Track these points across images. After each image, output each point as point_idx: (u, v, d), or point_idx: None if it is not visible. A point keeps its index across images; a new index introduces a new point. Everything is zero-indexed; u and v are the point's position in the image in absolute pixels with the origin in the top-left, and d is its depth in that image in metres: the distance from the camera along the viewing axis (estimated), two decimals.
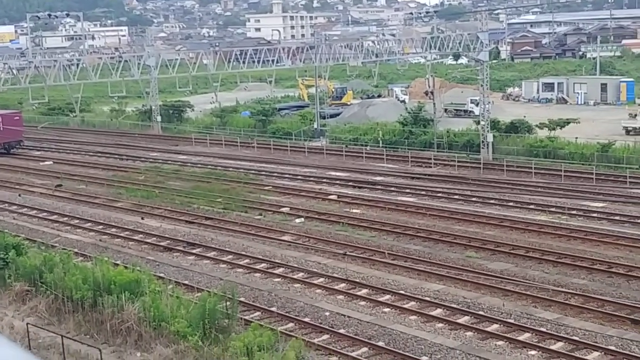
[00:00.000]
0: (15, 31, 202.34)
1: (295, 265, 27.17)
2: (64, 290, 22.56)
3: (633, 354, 19.36)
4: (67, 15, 69.07)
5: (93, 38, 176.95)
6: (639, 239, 28.89)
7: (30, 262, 24.40)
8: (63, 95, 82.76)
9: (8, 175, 48.66)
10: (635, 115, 56.73)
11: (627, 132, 53.44)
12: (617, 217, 32.35)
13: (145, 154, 55.56)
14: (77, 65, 56.83)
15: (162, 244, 30.87)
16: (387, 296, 23.83)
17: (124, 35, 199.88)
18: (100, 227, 34.10)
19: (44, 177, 47.29)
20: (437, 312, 22.44)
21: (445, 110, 66.11)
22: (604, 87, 74.37)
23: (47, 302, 23.07)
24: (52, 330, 21.55)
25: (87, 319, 21.84)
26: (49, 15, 62.46)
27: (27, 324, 21.61)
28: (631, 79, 78.66)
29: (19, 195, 41.51)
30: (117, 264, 25.13)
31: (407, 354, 19.68)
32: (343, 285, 25.01)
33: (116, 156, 55.22)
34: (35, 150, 59.92)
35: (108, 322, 21.10)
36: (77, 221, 35.32)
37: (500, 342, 20.33)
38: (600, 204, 34.74)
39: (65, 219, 35.90)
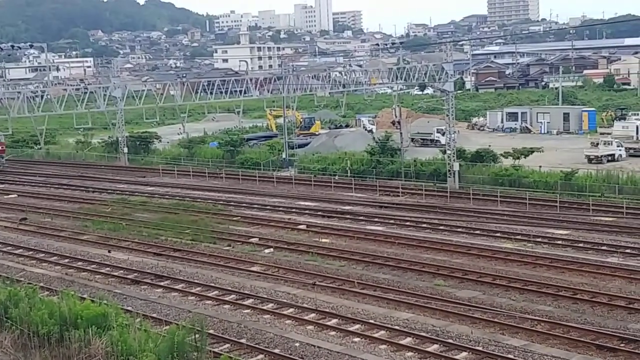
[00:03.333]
0: None
1: (265, 296, 27.09)
2: (29, 325, 22.16)
3: None
4: (31, 46, 68.69)
5: (58, 69, 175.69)
6: (603, 266, 29.42)
7: None
8: (27, 127, 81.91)
9: None
10: (597, 144, 57.95)
11: (590, 160, 54.51)
12: (581, 244, 32.90)
13: (111, 185, 55.09)
14: (42, 96, 56.42)
15: (129, 276, 30.54)
16: (357, 325, 23.85)
17: (89, 67, 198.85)
18: (66, 260, 33.63)
19: (8, 211, 46.55)
20: (407, 340, 22.52)
21: (412, 139, 66.89)
22: (566, 116, 75.97)
23: (12, 337, 22.62)
24: None
25: (54, 354, 21.45)
26: (12, 46, 61.94)
27: None
28: (593, 109, 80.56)
29: None
30: (84, 298, 24.79)
31: None
32: (313, 315, 24.99)
33: (82, 188, 54.65)
34: None
35: (75, 357, 20.75)
36: (43, 255, 34.79)
37: None
38: (565, 232, 35.32)
39: (31, 252, 35.35)
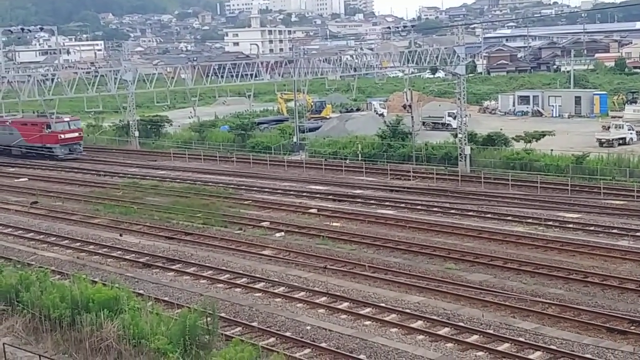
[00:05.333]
0: None
1: (276, 280, 27.17)
2: (41, 309, 22.32)
3: None
4: (41, 29, 68.53)
5: (68, 52, 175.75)
6: (614, 249, 29.32)
7: (6, 281, 24.12)
8: (38, 111, 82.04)
9: None
10: (609, 127, 57.56)
11: (601, 144, 54.20)
12: (592, 228, 32.79)
13: (123, 169, 55.26)
14: (52, 80, 56.24)
15: (141, 260, 30.69)
16: (368, 309, 23.91)
17: (100, 50, 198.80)
18: (78, 244, 33.81)
19: (19, 194, 46.80)
20: (418, 324, 22.56)
21: (423, 123, 66.64)
22: (578, 99, 75.47)
23: (24, 321, 22.80)
24: (30, 349, 21.32)
25: (65, 338, 21.61)
26: (22, 29, 61.94)
27: (4, 344, 21.35)
28: (604, 92, 79.97)
29: None
30: (95, 282, 24.96)
31: None
32: (324, 298, 25.05)
33: (93, 172, 54.85)
34: (9, 166, 59.32)
35: (87, 340, 20.90)
36: (54, 238, 34.98)
37: (480, 353, 20.47)
38: (576, 215, 35.19)
39: (42, 236, 35.54)
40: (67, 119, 63.19)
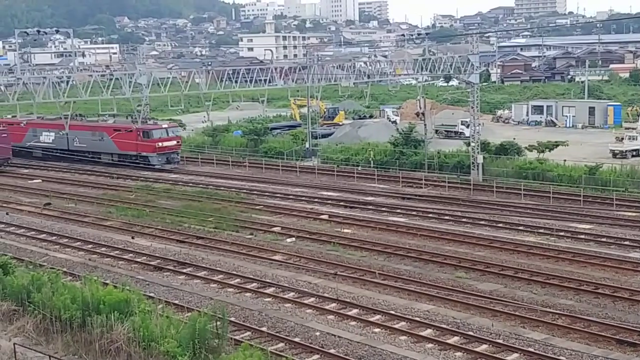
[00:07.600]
0: (3, 47, 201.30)
1: (286, 285, 27.21)
2: (52, 310, 22.45)
3: None
4: (57, 31, 68.84)
5: (83, 55, 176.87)
6: (625, 261, 29.16)
7: (17, 281, 24.27)
8: (52, 113, 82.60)
9: None
10: (622, 138, 57.25)
11: (614, 155, 53.93)
12: (604, 239, 32.63)
13: (135, 172, 55.49)
14: (67, 82, 56.40)
15: (152, 263, 30.81)
16: (378, 316, 23.89)
17: (115, 53, 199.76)
18: (90, 246, 34.01)
19: (33, 196, 47.14)
20: (427, 332, 22.52)
21: (436, 131, 66.54)
22: (592, 110, 75.12)
23: (34, 322, 22.93)
24: (40, 350, 21.43)
25: (76, 339, 21.72)
26: (38, 31, 62.26)
27: (15, 344, 21.48)
28: (618, 103, 79.54)
29: (6, 214, 41.31)
30: (107, 284, 25.09)
31: None
32: (334, 305, 25.06)
33: (106, 174, 55.15)
34: (23, 168, 59.73)
35: (97, 342, 21.00)
36: (66, 240, 35.21)
37: None
38: (588, 226, 35.03)
39: (54, 237, 35.78)
40: (166, 126, 58.82)
